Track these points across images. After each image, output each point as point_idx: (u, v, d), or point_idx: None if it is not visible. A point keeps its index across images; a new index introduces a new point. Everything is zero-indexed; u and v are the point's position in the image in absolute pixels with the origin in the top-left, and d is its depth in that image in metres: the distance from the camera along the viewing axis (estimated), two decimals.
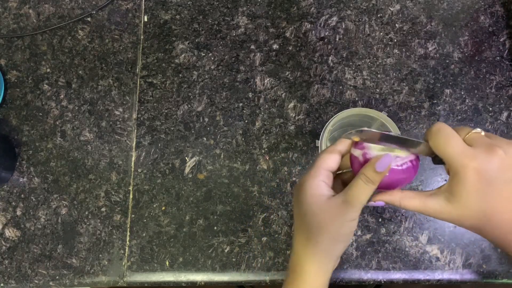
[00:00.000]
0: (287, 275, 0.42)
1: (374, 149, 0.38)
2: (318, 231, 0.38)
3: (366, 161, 0.38)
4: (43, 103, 0.69)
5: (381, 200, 0.39)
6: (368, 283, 0.61)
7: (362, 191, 0.37)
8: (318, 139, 0.55)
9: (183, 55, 0.69)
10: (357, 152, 0.39)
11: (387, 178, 0.37)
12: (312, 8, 0.70)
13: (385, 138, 0.38)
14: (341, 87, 0.67)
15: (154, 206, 0.64)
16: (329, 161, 0.40)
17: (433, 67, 0.67)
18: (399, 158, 0.38)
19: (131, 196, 0.65)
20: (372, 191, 0.37)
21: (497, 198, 0.34)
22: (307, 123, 0.66)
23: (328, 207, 0.37)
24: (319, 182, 0.39)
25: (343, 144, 0.40)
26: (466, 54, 0.67)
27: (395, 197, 0.38)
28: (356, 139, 0.39)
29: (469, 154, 0.34)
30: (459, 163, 0.34)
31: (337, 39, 0.69)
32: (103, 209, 0.64)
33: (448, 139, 0.35)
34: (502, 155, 0.34)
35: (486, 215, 0.35)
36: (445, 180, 0.63)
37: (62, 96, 0.69)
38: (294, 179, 0.64)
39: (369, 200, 0.38)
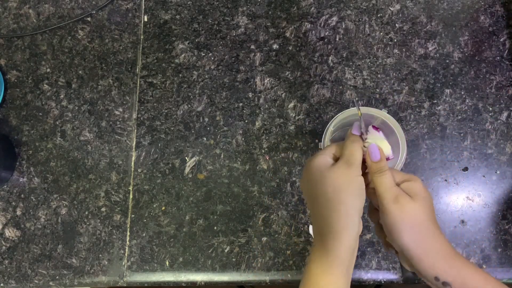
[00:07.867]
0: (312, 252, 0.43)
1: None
2: (334, 195, 0.41)
3: None
4: (43, 103, 0.69)
5: (377, 148, 0.44)
6: (368, 283, 0.61)
7: (354, 148, 0.43)
8: (318, 139, 0.55)
9: (183, 55, 0.69)
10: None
11: None
12: (312, 8, 0.70)
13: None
14: (341, 87, 0.67)
15: (154, 206, 0.64)
16: (332, 148, 0.45)
17: (433, 67, 0.67)
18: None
19: (131, 196, 0.65)
20: (360, 149, 0.43)
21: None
22: (307, 123, 0.66)
23: (334, 172, 0.42)
24: (323, 157, 0.44)
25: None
26: (466, 54, 0.67)
27: (385, 162, 0.43)
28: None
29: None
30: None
31: (337, 39, 0.69)
32: (103, 209, 0.64)
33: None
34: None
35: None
36: (445, 180, 0.63)
37: (62, 96, 0.69)
38: (294, 179, 0.64)
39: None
